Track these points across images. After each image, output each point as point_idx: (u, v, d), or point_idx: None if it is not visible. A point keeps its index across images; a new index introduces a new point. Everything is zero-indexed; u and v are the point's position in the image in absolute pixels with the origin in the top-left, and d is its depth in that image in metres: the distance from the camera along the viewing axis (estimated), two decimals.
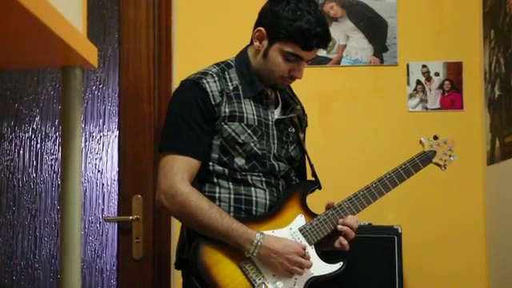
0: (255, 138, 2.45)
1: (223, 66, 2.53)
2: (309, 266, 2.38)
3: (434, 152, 2.62)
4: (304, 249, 2.38)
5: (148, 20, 3.38)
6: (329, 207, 2.49)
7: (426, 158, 2.60)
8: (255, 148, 2.44)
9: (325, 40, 2.47)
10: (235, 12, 3.44)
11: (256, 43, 2.50)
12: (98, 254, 3.41)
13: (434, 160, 2.62)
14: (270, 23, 2.46)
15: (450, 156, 2.64)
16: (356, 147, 3.38)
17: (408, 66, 3.39)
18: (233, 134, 2.42)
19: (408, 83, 3.39)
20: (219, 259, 2.35)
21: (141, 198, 3.27)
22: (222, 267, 2.35)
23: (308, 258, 2.38)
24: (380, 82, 3.41)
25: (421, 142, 2.63)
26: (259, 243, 2.32)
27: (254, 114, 2.47)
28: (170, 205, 2.39)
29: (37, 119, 3.47)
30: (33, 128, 3.46)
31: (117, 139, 3.40)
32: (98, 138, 3.45)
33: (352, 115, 3.40)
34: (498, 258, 3.16)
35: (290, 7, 2.42)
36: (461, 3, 3.41)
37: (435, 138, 2.63)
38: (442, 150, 2.63)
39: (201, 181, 2.46)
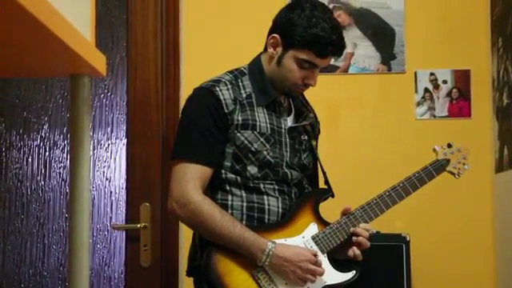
0: (268, 146, 2.45)
1: (236, 74, 2.53)
2: (321, 274, 2.37)
3: (448, 160, 2.60)
4: (315, 255, 2.37)
5: (156, 28, 3.39)
6: (345, 213, 2.49)
7: (439, 167, 2.58)
8: (268, 156, 2.44)
9: (340, 47, 2.48)
10: (243, 19, 3.44)
11: (270, 50, 2.49)
12: (106, 261, 3.41)
13: (448, 168, 2.60)
14: (284, 30, 2.46)
15: (464, 164, 2.63)
16: (363, 155, 3.37)
17: (416, 73, 3.39)
18: (245, 142, 2.42)
19: (416, 91, 3.38)
20: (232, 268, 2.35)
21: (149, 206, 3.27)
22: (235, 276, 2.34)
23: (320, 265, 2.37)
24: (388, 90, 3.41)
25: (434, 150, 2.62)
26: (271, 252, 2.31)
27: (266, 122, 2.47)
28: (182, 213, 2.39)
29: (45, 127, 3.48)
30: (41, 136, 3.47)
31: (125, 147, 3.41)
32: (106, 145, 3.46)
33: (359, 123, 3.40)
34: (507, 266, 3.15)
35: (306, 14, 2.42)
36: (469, 11, 3.41)
37: (449, 146, 2.62)
38: (456, 159, 2.62)
39: (213, 188, 2.46)
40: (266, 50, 2.55)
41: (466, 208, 3.32)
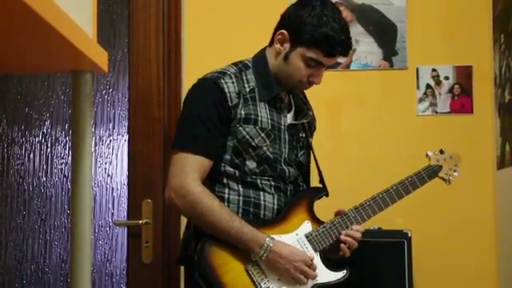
0: (268, 142, 2.45)
1: (241, 67, 2.53)
2: (313, 277, 2.39)
3: (440, 167, 2.64)
4: (312, 260, 2.38)
5: (157, 24, 3.39)
6: (338, 214, 2.50)
7: (432, 172, 2.62)
8: (268, 152, 2.45)
9: (347, 48, 2.49)
10: (244, 16, 3.44)
11: (277, 45, 2.49)
12: (108, 258, 3.42)
13: (440, 174, 2.65)
14: (293, 27, 2.45)
15: (455, 171, 2.67)
16: (365, 151, 3.37)
17: (418, 69, 3.39)
18: (247, 136, 2.42)
19: (418, 87, 3.38)
20: (226, 261, 2.36)
21: (150, 203, 3.27)
22: (228, 269, 2.36)
23: (314, 269, 2.38)
24: (389, 86, 3.40)
25: (427, 155, 2.65)
26: (268, 247, 2.33)
27: (268, 118, 2.47)
28: (180, 203, 2.39)
29: (47, 123, 3.48)
30: (43, 132, 3.48)
31: (126, 143, 3.41)
32: (108, 142, 3.46)
33: (361, 119, 3.40)
34: (509, 262, 3.15)
35: (316, 13, 2.42)
36: (471, 7, 3.40)
37: (441, 152, 2.65)
38: (448, 165, 2.66)
39: (212, 180, 2.46)
40: (271, 44, 2.54)
41: (468, 204, 3.32)
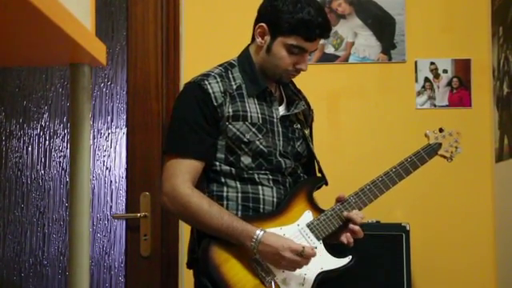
0: (260, 136, 2.46)
1: (226, 66, 2.55)
2: (306, 264, 2.35)
3: (440, 144, 2.62)
4: (303, 248, 2.34)
5: (156, 17, 3.38)
6: (339, 200, 2.49)
7: (431, 151, 2.59)
8: (261, 146, 2.45)
9: (326, 29, 2.50)
10: (243, 10, 3.42)
11: (258, 39, 2.52)
12: (107, 251, 3.42)
13: (440, 152, 2.61)
14: (270, 18, 2.48)
15: (457, 148, 2.64)
16: (364, 144, 3.37)
17: (416, 63, 3.38)
18: (237, 133, 2.43)
19: (416, 80, 3.38)
20: (228, 257, 2.36)
21: (149, 196, 3.27)
22: (232, 265, 2.36)
23: (309, 256, 2.36)
24: (388, 80, 3.40)
25: (426, 134, 2.63)
26: (258, 238, 2.32)
27: (258, 112, 2.48)
28: (172, 207, 2.42)
29: (45, 116, 3.48)
30: (41, 125, 3.47)
31: (125, 136, 3.41)
32: (107, 135, 3.46)
33: (360, 112, 3.40)
34: (507, 255, 3.15)
35: (290, 0, 2.45)
36: (469, 0, 3.40)
37: (440, 130, 2.63)
38: (448, 142, 2.63)
39: (209, 181, 2.48)
40: (253, 40, 2.57)
41: (467, 197, 3.33)
